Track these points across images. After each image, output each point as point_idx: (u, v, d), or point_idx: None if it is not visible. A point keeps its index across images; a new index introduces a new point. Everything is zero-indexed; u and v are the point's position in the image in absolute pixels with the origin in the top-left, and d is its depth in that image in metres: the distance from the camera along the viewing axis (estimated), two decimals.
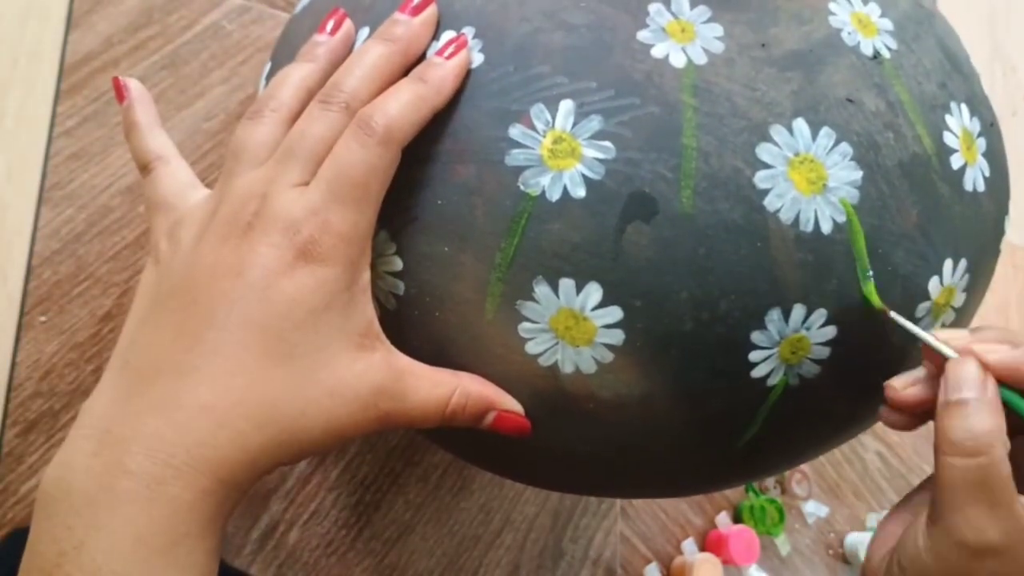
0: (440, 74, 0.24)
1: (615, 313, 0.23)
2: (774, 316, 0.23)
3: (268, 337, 0.23)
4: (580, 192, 0.23)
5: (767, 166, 0.23)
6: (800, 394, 0.25)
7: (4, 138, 0.39)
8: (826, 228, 0.23)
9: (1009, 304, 0.73)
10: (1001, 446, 0.23)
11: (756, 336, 0.23)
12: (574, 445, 0.26)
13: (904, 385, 0.25)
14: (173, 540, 0.21)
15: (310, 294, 0.23)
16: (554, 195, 0.23)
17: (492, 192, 0.23)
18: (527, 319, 0.23)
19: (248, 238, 0.23)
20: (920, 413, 0.26)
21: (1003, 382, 0.24)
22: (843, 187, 0.23)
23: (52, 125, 0.41)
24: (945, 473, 0.24)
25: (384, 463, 0.43)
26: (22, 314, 0.38)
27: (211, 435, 0.22)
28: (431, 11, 0.25)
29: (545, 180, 0.23)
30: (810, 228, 0.23)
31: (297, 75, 0.26)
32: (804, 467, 0.58)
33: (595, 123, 0.23)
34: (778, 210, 0.23)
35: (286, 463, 0.24)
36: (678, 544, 0.51)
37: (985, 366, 0.24)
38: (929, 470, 0.64)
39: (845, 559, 0.55)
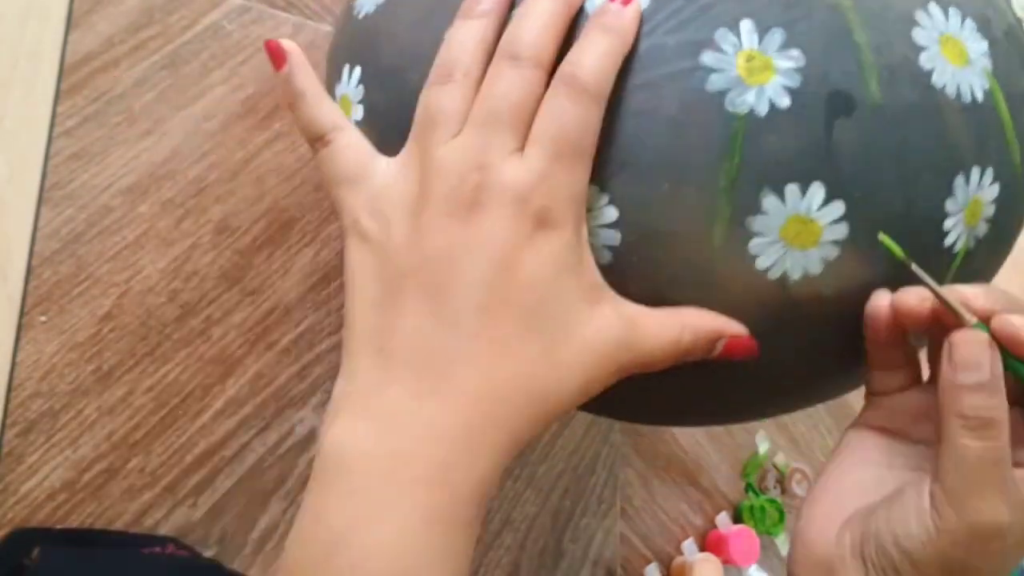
0: (623, 22, 0.24)
1: (838, 208, 0.24)
2: (960, 181, 0.26)
3: (520, 312, 0.23)
4: (785, 101, 0.24)
5: (924, 48, 0.25)
6: (972, 258, 0.28)
7: (4, 138, 0.39)
8: (979, 96, 0.26)
9: None
10: (1008, 427, 0.23)
11: (949, 204, 0.26)
12: (792, 358, 0.28)
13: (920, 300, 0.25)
14: (454, 525, 0.22)
15: (550, 261, 0.23)
16: (762, 109, 0.24)
17: (701, 120, 0.24)
18: (757, 233, 0.24)
19: (479, 213, 0.23)
20: (897, 339, 0.26)
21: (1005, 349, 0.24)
22: (979, 58, 0.26)
23: (52, 125, 0.41)
24: (961, 454, 0.23)
25: None
26: (22, 314, 0.38)
27: (487, 421, 0.23)
28: None
29: (750, 97, 0.24)
30: (968, 98, 0.26)
31: (473, 33, 0.25)
32: (804, 467, 0.58)
33: (778, 36, 0.24)
34: (944, 86, 0.25)
35: (542, 429, 0.25)
36: (678, 544, 0.51)
37: (993, 336, 0.24)
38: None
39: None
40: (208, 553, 0.39)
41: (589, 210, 0.25)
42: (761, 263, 0.25)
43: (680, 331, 0.25)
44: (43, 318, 0.38)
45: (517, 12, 0.25)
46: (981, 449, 0.23)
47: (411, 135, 0.25)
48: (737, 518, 0.53)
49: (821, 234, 0.25)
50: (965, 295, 0.25)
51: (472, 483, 0.23)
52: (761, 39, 0.24)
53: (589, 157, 0.24)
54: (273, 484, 0.41)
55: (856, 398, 0.64)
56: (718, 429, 0.55)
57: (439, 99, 0.25)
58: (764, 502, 0.54)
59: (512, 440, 0.23)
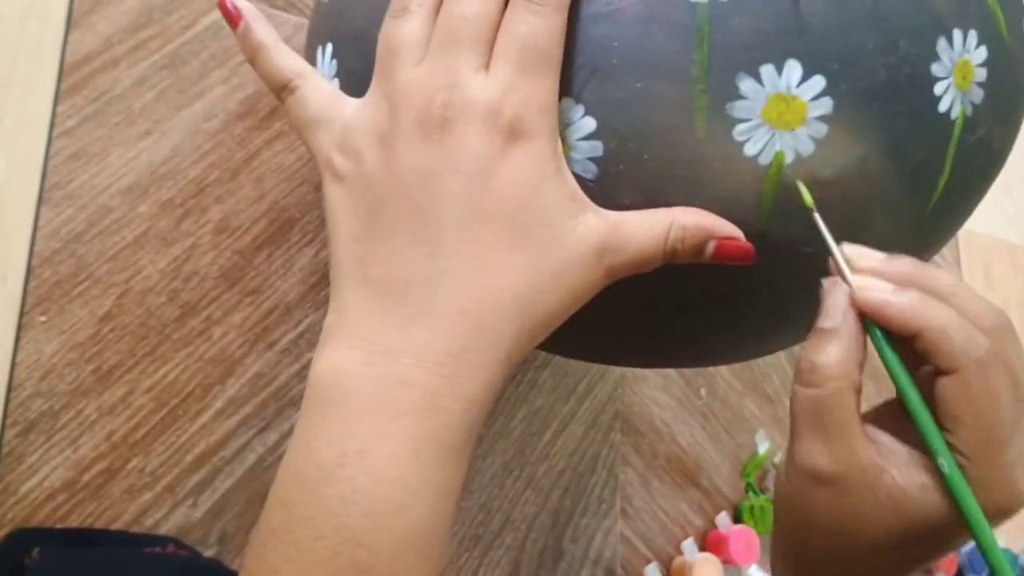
0: None
1: (819, 82, 0.24)
2: (943, 44, 0.25)
3: (502, 225, 0.23)
4: None
5: None
6: (974, 126, 0.27)
7: (4, 138, 0.39)
8: None
9: (1009, 304, 0.73)
10: (845, 380, 0.23)
11: (935, 68, 0.25)
12: (798, 249, 0.26)
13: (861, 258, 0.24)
14: (444, 452, 0.22)
15: (527, 172, 0.23)
16: None
17: (665, 14, 0.24)
18: (739, 119, 0.24)
19: (450, 131, 0.23)
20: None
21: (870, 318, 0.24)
22: None
23: (52, 125, 0.41)
24: (791, 400, 0.24)
25: None
26: (22, 314, 0.38)
27: (473, 339, 0.22)
28: None
29: None
30: None
31: None
32: None
33: None
34: None
35: (536, 344, 0.24)
36: (678, 544, 0.51)
37: (854, 301, 0.24)
38: None
39: None
40: (208, 553, 0.39)
41: (567, 125, 0.25)
42: (749, 149, 0.24)
43: (667, 228, 0.25)
44: (43, 318, 0.38)
45: None
46: (803, 397, 0.24)
47: (375, 71, 0.25)
48: (737, 518, 0.53)
49: (806, 111, 0.24)
50: (855, 254, 0.24)
51: (462, 407, 0.22)
52: None
53: (556, 65, 0.24)
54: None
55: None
56: (718, 428, 0.55)
57: (398, 31, 0.25)
58: (764, 502, 0.54)
59: (503, 357, 0.23)
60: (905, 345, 0.23)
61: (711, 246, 0.25)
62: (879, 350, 0.24)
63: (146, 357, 0.40)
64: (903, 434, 0.24)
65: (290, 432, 0.42)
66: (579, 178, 0.25)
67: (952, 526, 0.23)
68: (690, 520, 0.52)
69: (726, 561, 0.50)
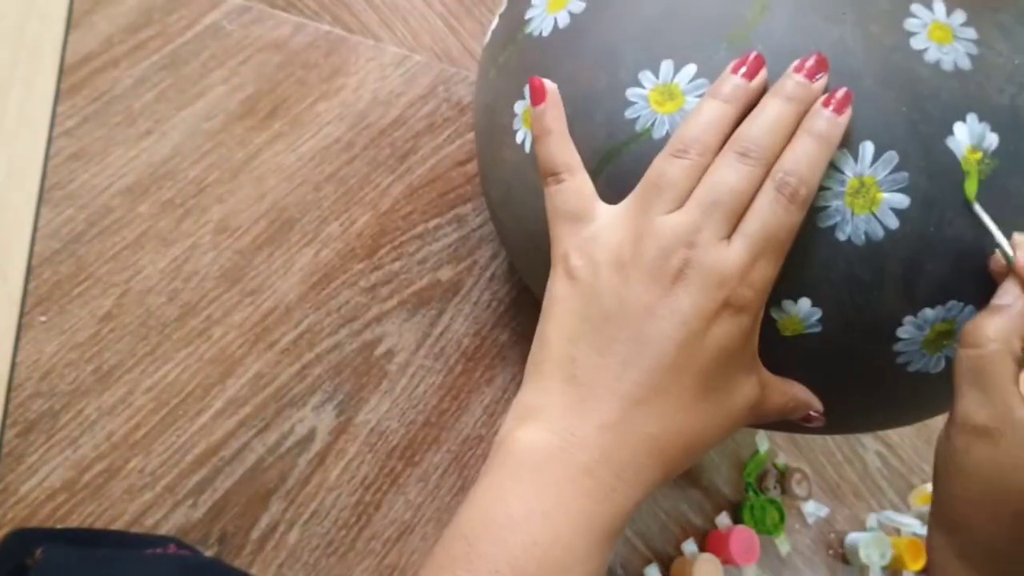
0: (835, 131, 0.27)
1: None
2: None
3: (702, 377, 0.27)
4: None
5: None
6: None
7: (4, 138, 0.39)
8: None
9: None
10: (1004, 344, 0.26)
11: None
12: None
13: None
14: (608, 535, 0.26)
15: (732, 340, 0.27)
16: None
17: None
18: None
19: (681, 284, 0.27)
20: None
21: None
22: None
23: (52, 125, 0.41)
24: (954, 362, 0.28)
25: (384, 463, 0.43)
26: (22, 314, 0.38)
27: (653, 459, 0.27)
28: (822, 83, 0.28)
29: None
30: None
31: (718, 115, 0.28)
32: (804, 467, 0.57)
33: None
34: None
35: (680, 472, 0.29)
36: (678, 544, 0.51)
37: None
38: (928, 470, 0.65)
39: (845, 559, 0.55)
40: (208, 553, 0.39)
41: (962, 322, 0.28)
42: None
43: (788, 402, 0.30)
44: (43, 318, 0.38)
45: (756, 108, 0.28)
46: (964, 358, 0.27)
47: (636, 193, 0.29)
48: (737, 518, 0.53)
49: None
50: (1021, 243, 0.27)
51: (629, 506, 0.27)
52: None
53: (784, 254, 0.27)
54: (273, 484, 0.41)
55: None
56: None
57: (671, 170, 0.28)
58: (764, 502, 0.54)
59: (662, 477, 0.27)
60: None
61: (802, 414, 0.31)
62: None
63: (146, 357, 0.40)
64: None
65: (290, 431, 0.42)
66: (948, 359, 0.29)
67: None
68: (690, 520, 0.52)
69: (726, 561, 0.50)
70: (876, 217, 0.27)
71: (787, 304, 0.29)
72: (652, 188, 0.28)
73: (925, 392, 0.31)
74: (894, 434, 0.62)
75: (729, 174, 0.27)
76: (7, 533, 0.35)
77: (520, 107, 0.33)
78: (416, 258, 0.47)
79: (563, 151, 0.30)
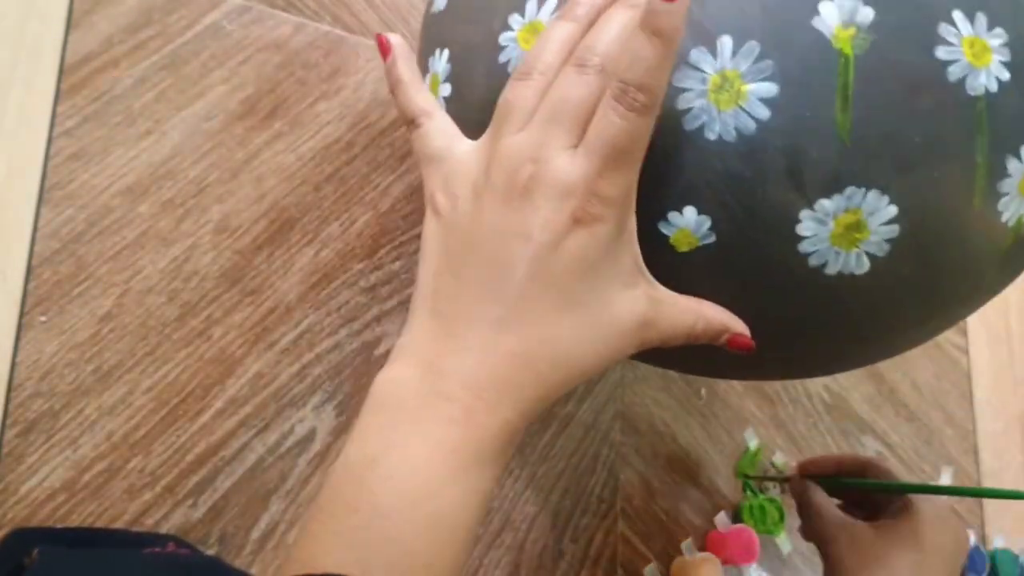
0: (672, 24, 0.25)
1: None
2: None
3: (558, 291, 0.27)
4: (1006, 75, 0.27)
5: None
6: None
7: (4, 138, 0.39)
8: None
9: (1009, 305, 0.73)
10: None
11: None
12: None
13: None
14: (475, 460, 0.26)
15: (589, 250, 0.27)
16: (992, 87, 0.27)
17: (951, 109, 0.27)
18: (1003, 194, 0.28)
19: (528, 202, 0.26)
20: None
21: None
22: None
23: (52, 125, 0.41)
24: None
25: None
26: (22, 314, 0.38)
27: (516, 376, 0.26)
28: None
29: (982, 79, 0.27)
30: None
31: (562, 35, 0.27)
32: None
33: (983, 18, 0.27)
34: None
35: (566, 391, 0.28)
36: (678, 544, 0.51)
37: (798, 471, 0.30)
38: (929, 470, 0.65)
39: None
40: (208, 553, 0.39)
41: (871, 212, 0.27)
42: (1005, 217, 0.29)
43: (696, 320, 0.29)
44: (43, 318, 0.38)
45: (599, 20, 0.27)
46: None
47: (491, 124, 0.29)
48: (737, 518, 0.53)
49: None
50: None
51: (494, 427, 0.26)
52: (974, 24, 0.27)
53: (636, 163, 0.27)
54: (273, 484, 0.41)
55: (857, 402, 0.64)
56: (718, 429, 0.55)
57: (515, 94, 0.28)
58: (764, 501, 0.54)
59: (535, 396, 0.27)
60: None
61: (724, 337, 0.30)
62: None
63: (146, 357, 0.40)
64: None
65: (290, 431, 0.42)
66: (871, 255, 0.28)
67: None
68: (690, 520, 0.52)
69: (726, 561, 0.50)
70: (744, 110, 0.26)
71: (673, 216, 0.28)
72: (500, 115, 0.28)
73: (856, 299, 0.29)
74: (894, 434, 0.62)
75: (566, 86, 0.27)
76: (6, 533, 0.35)
77: (428, 79, 0.34)
78: (416, 258, 0.47)
79: (416, 97, 0.31)
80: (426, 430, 0.26)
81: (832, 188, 0.27)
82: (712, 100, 0.27)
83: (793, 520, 0.56)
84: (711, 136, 0.27)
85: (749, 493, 0.54)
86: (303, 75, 0.47)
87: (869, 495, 0.46)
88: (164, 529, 0.38)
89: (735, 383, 0.57)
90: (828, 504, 0.44)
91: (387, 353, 0.45)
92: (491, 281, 0.27)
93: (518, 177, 0.27)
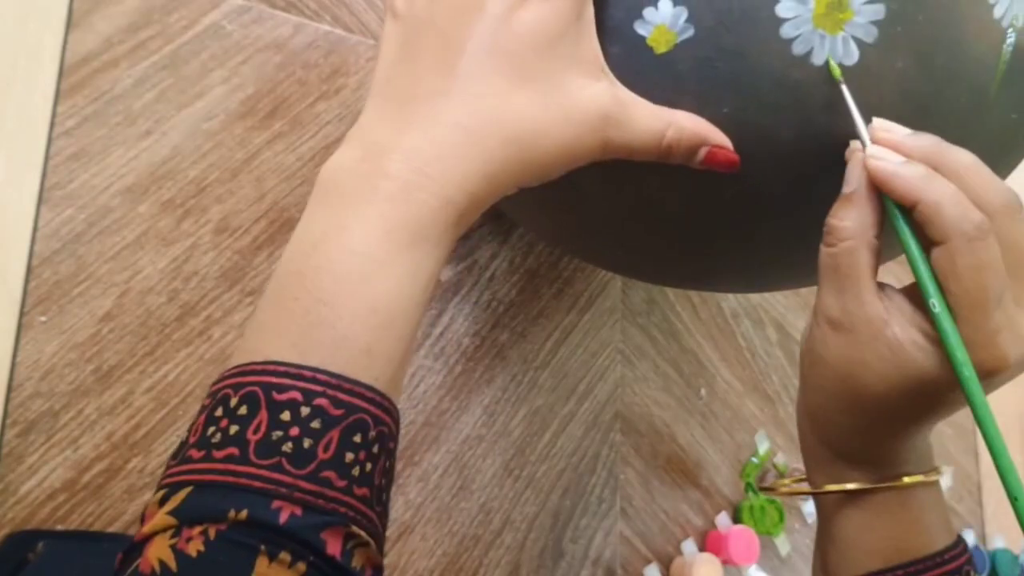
0: None
1: None
2: None
3: (513, 62, 0.26)
4: None
5: None
6: None
7: (4, 138, 0.39)
8: None
9: None
10: (857, 240, 0.27)
11: None
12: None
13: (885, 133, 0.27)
14: (415, 239, 0.25)
15: (546, 23, 0.26)
16: None
17: None
18: None
19: None
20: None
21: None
22: None
23: (52, 125, 0.41)
24: (818, 258, 0.28)
25: None
26: (22, 314, 0.38)
27: (462, 148, 0.25)
28: None
29: None
30: None
31: None
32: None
33: None
34: None
35: (521, 184, 0.27)
36: (678, 544, 0.51)
37: (869, 174, 0.26)
38: None
39: None
40: None
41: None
42: (997, 12, 0.27)
43: (667, 126, 0.27)
44: (43, 318, 0.38)
45: None
46: (824, 254, 0.27)
47: None
48: (737, 518, 0.53)
49: None
50: (880, 127, 0.27)
51: (439, 204, 0.25)
52: None
53: None
54: None
55: None
56: (718, 428, 0.55)
57: None
58: (764, 502, 0.54)
59: (484, 175, 0.25)
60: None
61: (703, 152, 0.28)
62: (888, 213, 0.27)
63: (146, 357, 0.40)
64: (917, 300, 0.27)
65: None
66: (860, 41, 0.27)
67: (945, 386, 0.26)
68: (690, 520, 0.52)
69: (726, 561, 0.50)
70: None
71: (649, 13, 0.27)
72: None
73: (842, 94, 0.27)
74: None
75: None
76: (7, 533, 0.35)
77: None
78: None
79: None
80: (363, 212, 0.24)
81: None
82: None
83: (793, 520, 0.56)
84: None
85: (750, 493, 0.54)
86: (303, 75, 0.47)
87: None
88: None
89: (734, 383, 0.57)
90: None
91: None
92: (441, 55, 0.26)
93: None
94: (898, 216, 0.26)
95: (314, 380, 0.23)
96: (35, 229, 0.39)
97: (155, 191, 0.42)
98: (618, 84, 0.28)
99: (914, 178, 0.25)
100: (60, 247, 0.39)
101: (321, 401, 0.23)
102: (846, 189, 0.27)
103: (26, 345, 0.38)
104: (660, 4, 0.27)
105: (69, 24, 0.42)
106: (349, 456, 0.23)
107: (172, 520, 0.21)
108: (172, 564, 0.21)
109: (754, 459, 0.55)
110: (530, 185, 0.27)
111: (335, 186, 0.26)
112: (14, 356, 0.37)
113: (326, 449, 0.22)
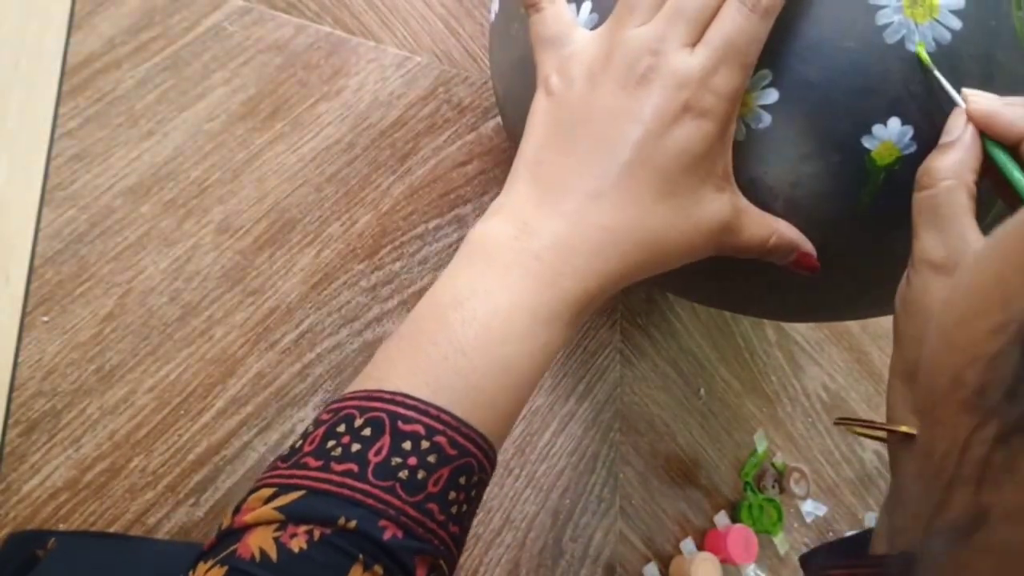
0: None
1: None
2: None
3: (660, 177, 0.28)
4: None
5: None
6: None
7: (6, 139, 0.39)
8: None
9: None
10: (957, 180, 0.27)
11: None
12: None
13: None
14: (552, 318, 0.27)
15: (695, 143, 0.28)
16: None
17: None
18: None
19: (644, 88, 0.28)
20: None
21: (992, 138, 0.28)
22: None
23: (54, 126, 0.41)
24: (912, 204, 0.29)
25: None
26: (24, 314, 0.38)
27: (606, 249, 0.28)
28: None
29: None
30: None
31: None
32: (802, 466, 0.58)
33: None
34: None
35: (643, 277, 0.29)
36: (677, 543, 0.51)
37: (970, 116, 0.28)
38: None
39: None
40: None
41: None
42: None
43: (771, 233, 0.31)
44: (45, 318, 0.38)
45: None
46: (920, 198, 0.28)
47: (612, 15, 0.30)
48: (736, 517, 0.54)
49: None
50: (971, 92, 0.28)
51: (577, 293, 0.28)
52: None
53: (750, 65, 0.28)
54: None
55: (856, 401, 0.64)
56: (718, 428, 0.56)
57: None
58: (762, 501, 0.54)
59: (618, 274, 0.28)
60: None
61: (793, 256, 0.31)
62: (992, 156, 0.28)
63: (148, 357, 0.40)
64: None
65: (291, 432, 0.42)
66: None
67: None
68: (689, 519, 0.53)
69: (724, 560, 0.50)
70: (939, 22, 0.28)
71: (878, 129, 0.29)
72: (625, 7, 0.29)
73: None
74: None
75: None
76: (8, 533, 0.35)
77: None
78: (417, 258, 0.47)
79: None
80: (512, 283, 0.27)
81: (1018, 89, 0.29)
82: (908, 15, 0.28)
83: (791, 519, 0.56)
84: (912, 48, 0.28)
85: (749, 492, 0.54)
86: (304, 76, 0.47)
87: None
88: (166, 528, 0.38)
89: (733, 383, 0.58)
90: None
91: None
92: (595, 157, 0.28)
93: (637, 66, 0.28)
94: (1003, 154, 0.27)
95: (438, 419, 0.25)
96: (37, 229, 0.39)
97: (157, 191, 0.42)
98: (738, 192, 0.30)
99: (1018, 115, 0.27)
100: (62, 247, 0.39)
101: (441, 439, 0.25)
102: (945, 139, 0.28)
103: (28, 345, 0.38)
104: (889, 121, 0.29)
105: (71, 25, 0.42)
106: (452, 495, 0.25)
107: (279, 515, 0.23)
108: (273, 554, 0.22)
109: (752, 458, 0.56)
110: (648, 276, 0.30)
111: (487, 253, 0.28)
112: (16, 356, 0.37)
113: (436, 484, 0.25)
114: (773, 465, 0.57)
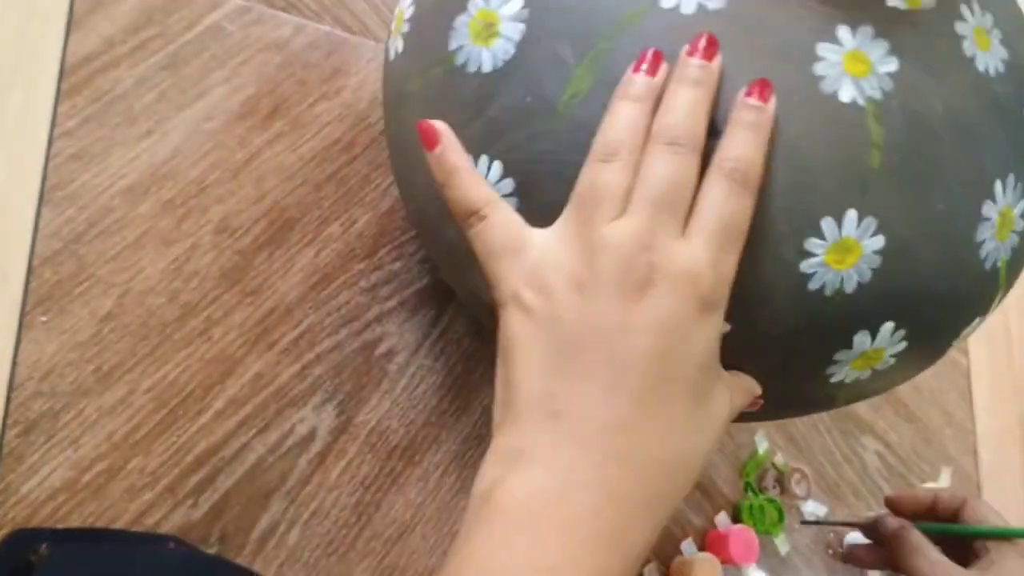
0: (767, 117, 0.26)
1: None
2: None
3: (689, 387, 0.25)
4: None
5: None
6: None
7: (4, 138, 0.39)
8: None
9: (1008, 305, 0.73)
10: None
11: None
12: None
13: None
14: (610, 544, 0.23)
15: (713, 340, 0.26)
16: None
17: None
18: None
19: (650, 292, 0.25)
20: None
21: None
22: None
23: (53, 125, 0.41)
24: None
25: (384, 463, 0.43)
26: (23, 314, 0.38)
27: (665, 488, 0.25)
28: (719, 60, 0.26)
29: None
30: None
31: (634, 115, 0.26)
32: (803, 467, 0.58)
33: None
34: None
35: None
36: (677, 544, 0.51)
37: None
38: (928, 469, 0.65)
39: (844, 559, 0.55)
40: (209, 552, 0.39)
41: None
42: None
43: (749, 397, 0.29)
44: (44, 318, 0.38)
45: (665, 97, 0.27)
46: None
47: (570, 208, 0.27)
48: (736, 518, 0.53)
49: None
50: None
51: (643, 546, 0.24)
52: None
53: (742, 245, 0.26)
54: (273, 484, 0.41)
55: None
56: None
57: (603, 177, 0.26)
58: (763, 501, 0.54)
59: (673, 508, 0.25)
60: None
61: (755, 402, 0.30)
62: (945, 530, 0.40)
63: (147, 357, 0.40)
64: None
65: (290, 431, 0.42)
66: None
67: None
68: (689, 520, 0.53)
69: (725, 561, 0.50)
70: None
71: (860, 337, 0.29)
72: (588, 199, 0.26)
73: None
74: (893, 433, 0.62)
75: (665, 167, 0.25)
76: (7, 533, 0.35)
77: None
78: (416, 258, 0.47)
79: (477, 186, 0.28)
80: (576, 550, 0.23)
81: None
82: (998, 238, 0.30)
83: (792, 520, 0.56)
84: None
85: (749, 493, 0.54)
86: (303, 76, 0.47)
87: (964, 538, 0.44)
88: (164, 529, 0.38)
89: None
90: (928, 546, 0.42)
91: (388, 353, 0.45)
92: (622, 382, 0.24)
93: (634, 269, 0.24)
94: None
95: None
96: (36, 229, 0.39)
97: (156, 191, 0.42)
98: (722, 372, 0.28)
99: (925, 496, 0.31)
100: (61, 247, 0.39)
101: None
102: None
103: (27, 345, 0.38)
104: (883, 326, 0.29)
105: (70, 24, 0.42)
106: None
107: None
108: None
109: (753, 459, 0.56)
110: None
111: (531, 515, 0.24)
112: (15, 356, 0.37)
113: None
114: (774, 465, 0.57)
